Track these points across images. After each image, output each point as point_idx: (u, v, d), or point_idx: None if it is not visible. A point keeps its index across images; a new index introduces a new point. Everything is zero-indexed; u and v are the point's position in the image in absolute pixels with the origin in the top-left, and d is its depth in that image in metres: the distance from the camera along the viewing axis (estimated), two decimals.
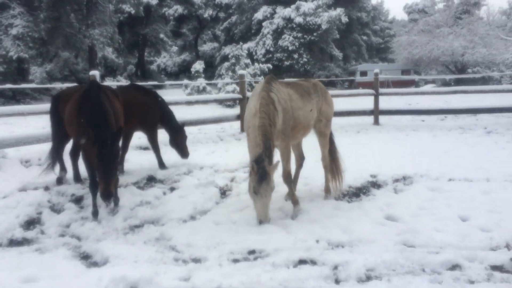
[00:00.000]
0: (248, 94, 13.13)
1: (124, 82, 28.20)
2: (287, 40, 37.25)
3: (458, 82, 37.34)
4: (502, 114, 14.19)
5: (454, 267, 3.90)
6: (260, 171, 4.60)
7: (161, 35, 42.14)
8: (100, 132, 4.81)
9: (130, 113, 7.05)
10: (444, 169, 7.20)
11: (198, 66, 24.71)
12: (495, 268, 3.85)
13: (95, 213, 5.30)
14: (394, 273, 3.80)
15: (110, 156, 4.78)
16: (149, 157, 8.64)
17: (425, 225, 4.83)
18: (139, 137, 11.20)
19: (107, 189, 4.75)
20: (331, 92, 19.47)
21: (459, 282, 3.57)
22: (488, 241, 4.35)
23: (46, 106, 10.04)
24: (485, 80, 38.63)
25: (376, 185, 6.63)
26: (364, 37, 52.30)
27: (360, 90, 13.90)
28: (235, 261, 4.13)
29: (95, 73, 10.16)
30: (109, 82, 24.49)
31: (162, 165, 7.97)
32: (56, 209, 5.74)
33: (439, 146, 9.63)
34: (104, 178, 4.74)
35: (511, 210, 5.18)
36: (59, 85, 16.92)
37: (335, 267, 3.92)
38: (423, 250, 4.20)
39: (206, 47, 51.66)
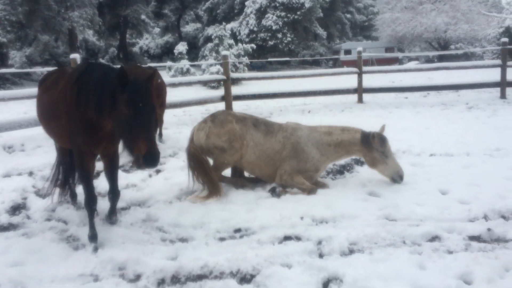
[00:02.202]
0: (232, 75, 13.08)
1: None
2: (270, 20, 36.96)
3: (441, 58, 37.60)
4: (483, 89, 14.41)
5: (434, 238, 4.03)
6: None
7: (143, 16, 41.42)
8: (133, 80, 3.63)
9: None
10: (426, 145, 7.34)
11: (181, 47, 24.45)
12: (473, 238, 3.99)
13: (93, 237, 4.10)
14: (376, 246, 3.92)
15: (149, 105, 3.63)
16: None
17: (406, 199, 4.95)
18: None
19: (155, 147, 3.55)
20: (316, 71, 19.47)
21: (438, 253, 3.69)
22: (467, 213, 4.49)
23: (28, 91, 9.91)
24: (467, 56, 38.98)
25: (359, 162, 6.74)
26: (348, 15, 52.12)
27: (344, 69, 13.98)
28: (222, 239, 4.20)
29: (76, 56, 10.01)
30: None
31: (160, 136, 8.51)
32: (41, 194, 5.72)
33: (421, 122, 9.77)
34: (149, 132, 3.56)
35: (490, 183, 5.33)
36: (39, 69, 16.63)
37: (319, 242, 4.01)
38: (404, 223, 4.32)
39: (189, 28, 50.97)
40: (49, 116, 4.43)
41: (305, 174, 5.50)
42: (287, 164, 5.52)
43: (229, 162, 5.62)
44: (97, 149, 4.22)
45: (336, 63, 41.07)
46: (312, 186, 5.41)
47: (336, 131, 5.63)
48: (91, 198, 4.21)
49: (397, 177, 5.45)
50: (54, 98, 4.28)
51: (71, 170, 5.19)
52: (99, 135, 4.07)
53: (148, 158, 3.50)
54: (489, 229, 4.05)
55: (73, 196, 5.31)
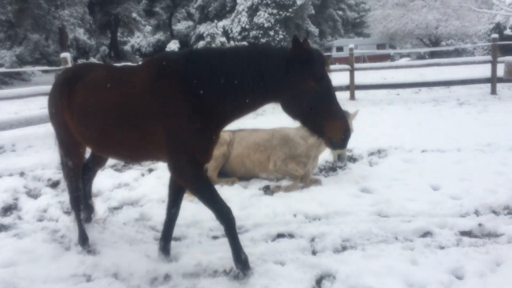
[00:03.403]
0: None
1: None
2: (262, 17, 36.92)
3: (432, 55, 37.79)
4: (474, 85, 14.50)
5: (426, 234, 4.05)
6: None
7: (134, 15, 41.20)
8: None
9: None
10: (418, 141, 7.38)
11: (173, 45, 24.41)
12: (464, 233, 4.02)
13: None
14: (368, 242, 3.93)
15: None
16: None
17: (398, 195, 4.97)
18: None
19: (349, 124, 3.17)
20: None
21: (430, 248, 3.72)
22: (458, 208, 4.52)
23: (18, 90, 9.84)
24: (458, 52, 39.17)
25: (352, 159, 6.76)
26: (340, 12, 52.20)
27: (336, 66, 14.00)
28: (215, 238, 4.20)
29: (66, 55, 9.97)
30: None
31: None
32: (32, 195, 5.69)
33: (413, 118, 9.82)
34: (341, 107, 3.11)
35: (481, 178, 5.36)
36: (30, 69, 16.50)
37: (312, 239, 4.02)
38: (396, 219, 4.34)
39: (181, 26, 50.74)
40: (113, 124, 3.41)
41: (297, 160, 5.70)
42: (279, 151, 5.74)
43: (218, 156, 5.73)
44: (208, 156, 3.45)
45: (329, 60, 41.08)
46: (305, 173, 5.59)
47: None
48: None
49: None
50: (130, 102, 3.33)
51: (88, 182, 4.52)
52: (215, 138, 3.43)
53: (346, 137, 3.07)
54: (480, 224, 4.08)
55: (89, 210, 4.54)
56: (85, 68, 3.85)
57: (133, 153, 3.59)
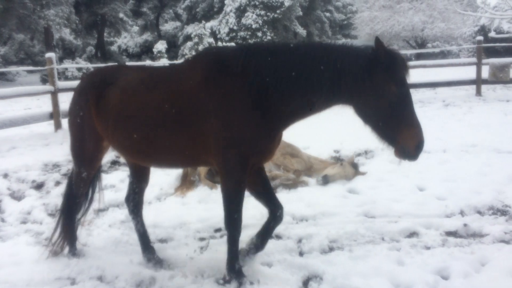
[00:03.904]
0: None
1: (83, 64, 27.35)
2: (250, 18, 36.88)
3: (418, 56, 38.14)
4: (459, 87, 14.66)
5: (412, 234, 4.08)
6: None
7: (121, 15, 40.84)
8: None
9: None
10: None
11: (161, 46, 24.26)
12: (450, 233, 4.06)
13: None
14: (355, 243, 3.95)
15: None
16: None
17: (385, 196, 5.00)
18: None
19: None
20: None
21: (416, 248, 3.74)
22: (444, 208, 4.56)
23: (2, 91, 9.68)
24: (444, 54, 39.60)
25: (339, 159, 6.78)
26: (327, 14, 52.40)
27: None
28: (202, 239, 4.18)
29: (51, 55, 9.86)
30: (68, 64, 23.74)
31: None
32: (16, 196, 5.60)
33: None
34: (416, 115, 2.89)
35: (465, 179, 5.42)
36: (14, 69, 16.28)
37: (299, 240, 4.02)
38: (383, 220, 4.36)
39: (168, 26, 50.46)
40: (161, 127, 3.19)
41: (296, 160, 5.97)
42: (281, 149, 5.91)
43: None
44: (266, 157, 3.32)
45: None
46: (298, 170, 5.79)
47: None
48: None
49: None
50: (181, 101, 3.12)
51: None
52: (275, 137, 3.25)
53: (420, 148, 2.84)
54: (465, 225, 4.12)
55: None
56: (113, 71, 3.63)
57: (181, 157, 3.34)
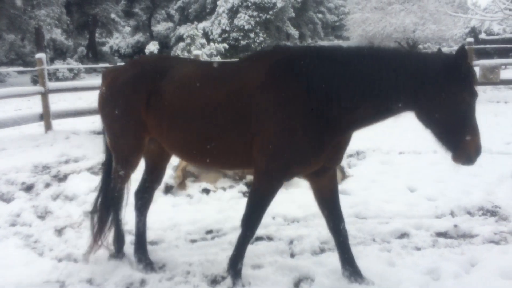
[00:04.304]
0: None
1: (74, 64, 27.19)
2: (242, 19, 36.89)
3: None
4: None
5: (403, 235, 4.09)
6: None
7: (112, 15, 40.67)
8: None
9: None
10: (395, 143, 7.46)
11: (153, 47, 24.17)
12: (440, 234, 4.08)
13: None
14: None
15: None
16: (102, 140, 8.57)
17: (376, 197, 5.01)
18: (92, 122, 10.94)
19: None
20: None
21: (407, 249, 3.76)
22: (434, 209, 4.58)
23: None
24: None
25: None
26: (319, 15, 52.55)
27: None
28: (193, 241, 4.16)
29: (42, 55, 9.77)
30: (59, 65, 23.56)
31: None
32: (5, 199, 5.54)
33: (390, 120, 9.90)
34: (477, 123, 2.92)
35: (455, 180, 5.44)
36: (5, 70, 16.17)
37: (291, 242, 4.02)
38: (374, 221, 4.38)
39: (160, 27, 50.33)
40: (219, 126, 3.06)
41: None
42: None
43: None
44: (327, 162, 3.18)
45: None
46: None
47: None
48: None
49: None
50: (242, 100, 3.01)
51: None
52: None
53: (479, 153, 2.92)
54: (455, 225, 4.14)
55: None
56: (161, 62, 3.42)
57: (238, 159, 3.20)
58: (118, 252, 3.75)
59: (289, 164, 2.99)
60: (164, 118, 3.20)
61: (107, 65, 15.62)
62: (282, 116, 2.90)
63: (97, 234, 3.64)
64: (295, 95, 2.91)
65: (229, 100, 3.04)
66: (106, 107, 3.47)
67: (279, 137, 2.92)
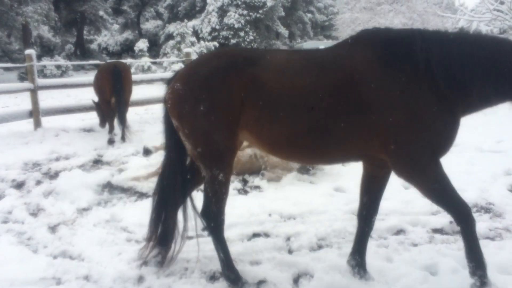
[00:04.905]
0: None
1: (63, 62, 26.88)
2: (232, 18, 36.84)
3: None
4: None
5: (399, 231, 4.11)
6: None
7: (101, 12, 40.33)
8: None
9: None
10: None
11: (142, 44, 24.04)
12: (436, 231, 4.10)
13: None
14: (343, 241, 3.96)
15: None
16: (92, 138, 8.57)
17: None
18: (82, 119, 10.82)
19: None
20: None
21: (404, 245, 3.77)
22: (429, 206, 4.60)
23: None
24: None
25: None
26: (309, 15, 52.69)
27: None
28: (190, 238, 4.12)
29: (31, 51, 9.64)
30: (47, 62, 23.30)
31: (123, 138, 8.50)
32: None
33: None
34: None
35: (450, 177, 5.46)
36: None
37: (288, 238, 4.01)
38: None
39: (149, 25, 50.04)
40: (330, 118, 2.82)
41: None
42: None
43: None
44: None
45: None
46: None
47: None
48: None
49: None
50: (351, 89, 2.78)
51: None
52: None
53: None
54: (451, 222, 4.16)
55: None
56: (245, 52, 3.12)
57: (346, 153, 2.99)
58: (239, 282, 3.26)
59: (437, 150, 2.83)
60: (264, 111, 2.90)
61: (97, 62, 15.44)
62: (413, 104, 2.73)
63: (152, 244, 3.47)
64: (418, 81, 2.74)
65: (339, 88, 2.81)
66: (184, 104, 3.02)
67: (419, 127, 2.74)
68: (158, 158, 6.93)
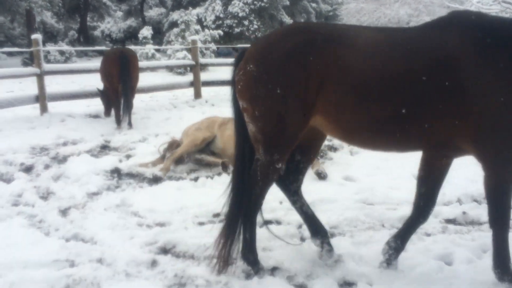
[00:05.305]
0: (201, 60, 12.86)
1: (69, 47, 26.79)
2: (237, 6, 36.57)
3: None
4: None
5: None
6: None
7: None
8: None
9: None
10: None
11: (146, 32, 23.87)
12: (449, 221, 4.09)
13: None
14: (356, 229, 3.95)
15: None
16: (99, 124, 8.58)
17: (382, 184, 5.01)
18: (87, 105, 10.78)
19: None
20: None
21: (417, 235, 3.74)
22: (441, 196, 4.54)
23: None
24: None
25: (332, 148, 6.77)
26: (313, 4, 52.29)
27: None
28: (201, 224, 4.12)
29: (38, 36, 9.58)
30: (52, 47, 23.18)
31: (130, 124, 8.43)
32: (5, 179, 5.44)
33: None
34: None
35: (460, 168, 5.42)
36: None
37: (300, 226, 4.00)
38: (382, 207, 4.38)
39: (153, 12, 49.69)
40: (415, 102, 2.67)
41: None
42: None
43: (198, 137, 5.91)
44: None
45: None
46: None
47: None
48: None
49: None
50: (446, 72, 2.63)
51: None
52: None
53: None
54: (464, 212, 4.16)
55: None
56: (323, 28, 2.88)
57: (427, 141, 2.85)
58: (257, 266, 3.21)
59: None
60: (347, 96, 2.71)
61: (103, 48, 15.36)
62: (506, 90, 2.58)
63: (229, 247, 3.15)
64: None
65: (432, 73, 2.63)
66: (258, 86, 2.84)
67: (507, 114, 2.61)
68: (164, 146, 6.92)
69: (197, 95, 12.01)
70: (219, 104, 11.49)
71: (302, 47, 2.76)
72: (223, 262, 3.13)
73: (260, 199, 3.12)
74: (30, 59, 24.35)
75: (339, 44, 2.75)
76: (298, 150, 3.24)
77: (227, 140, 5.81)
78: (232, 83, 3.10)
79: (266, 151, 2.95)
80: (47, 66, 9.70)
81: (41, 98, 9.30)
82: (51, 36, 37.70)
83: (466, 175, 5.13)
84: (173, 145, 6.08)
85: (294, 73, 2.76)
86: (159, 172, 5.43)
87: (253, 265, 3.19)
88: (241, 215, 3.12)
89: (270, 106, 2.83)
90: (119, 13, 48.62)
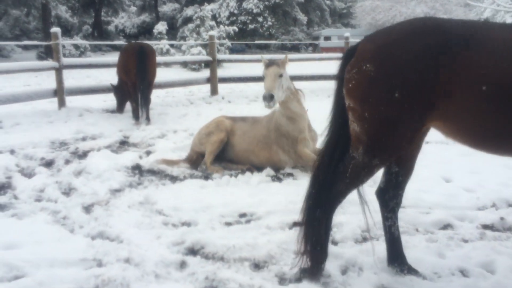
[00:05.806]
0: (218, 56, 12.74)
1: (85, 42, 26.87)
2: (251, 3, 36.47)
3: None
4: None
5: (446, 226, 3.94)
6: None
7: None
8: None
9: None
10: None
11: (161, 27, 23.87)
12: (486, 227, 3.92)
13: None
14: None
15: None
16: (116, 119, 8.53)
17: (412, 186, 4.77)
18: (104, 100, 10.74)
19: None
20: (303, 55, 19.20)
21: (454, 241, 3.61)
22: (475, 201, 4.43)
23: (5, 65, 9.38)
24: None
25: None
26: (328, 2, 52.00)
27: (330, 55, 13.86)
28: (228, 224, 4.01)
29: (57, 30, 9.53)
30: (66, 41, 23.24)
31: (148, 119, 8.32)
32: (26, 173, 5.38)
33: None
34: None
35: (491, 171, 5.29)
36: (16, 43, 15.89)
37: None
38: (414, 211, 4.22)
39: (167, 8, 49.78)
40: None
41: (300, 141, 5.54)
42: (285, 144, 5.58)
43: (215, 141, 5.67)
44: None
45: (316, 49, 40.98)
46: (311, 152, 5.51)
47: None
48: None
49: None
50: None
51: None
52: None
53: None
54: (502, 218, 3.99)
55: None
56: (454, 27, 2.59)
57: None
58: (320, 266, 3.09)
59: None
60: (479, 103, 2.46)
61: (121, 42, 15.33)
62: None
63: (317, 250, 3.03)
64: None
65: None
66: (374, 88, 2.61)
67: None
68: (185, 142, 6.84)
69: (214, 91, 11.92)
70: (235, 101, 11.40)
71: (434, 51, 2.50)
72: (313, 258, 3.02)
73: (341, 197, 2.99)
74: (45, 53, 24.47)
75: (475, 48, 2.48)
76: (396, 160, 3.01)
77: (238, 142, 5.78)
78: (339, 79, 2.90)
79: (367, 153, 2.75)
80: (65, 60, 9.67)
81: (59, 92, 9.27)
82: (65, 30, 37.88)
83: (498, 179, 4.98)
84: (193, 157, 5.89)
85: (420, 79, 2.50)
86: (216, 173, 5.42)
87: (320, 262, 3.05)
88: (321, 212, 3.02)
89: (383, 110, 2.60)
90: (133, 8, 48.80)
